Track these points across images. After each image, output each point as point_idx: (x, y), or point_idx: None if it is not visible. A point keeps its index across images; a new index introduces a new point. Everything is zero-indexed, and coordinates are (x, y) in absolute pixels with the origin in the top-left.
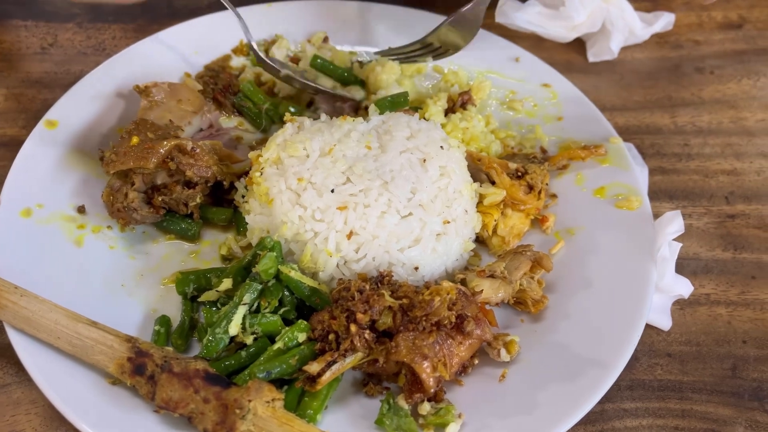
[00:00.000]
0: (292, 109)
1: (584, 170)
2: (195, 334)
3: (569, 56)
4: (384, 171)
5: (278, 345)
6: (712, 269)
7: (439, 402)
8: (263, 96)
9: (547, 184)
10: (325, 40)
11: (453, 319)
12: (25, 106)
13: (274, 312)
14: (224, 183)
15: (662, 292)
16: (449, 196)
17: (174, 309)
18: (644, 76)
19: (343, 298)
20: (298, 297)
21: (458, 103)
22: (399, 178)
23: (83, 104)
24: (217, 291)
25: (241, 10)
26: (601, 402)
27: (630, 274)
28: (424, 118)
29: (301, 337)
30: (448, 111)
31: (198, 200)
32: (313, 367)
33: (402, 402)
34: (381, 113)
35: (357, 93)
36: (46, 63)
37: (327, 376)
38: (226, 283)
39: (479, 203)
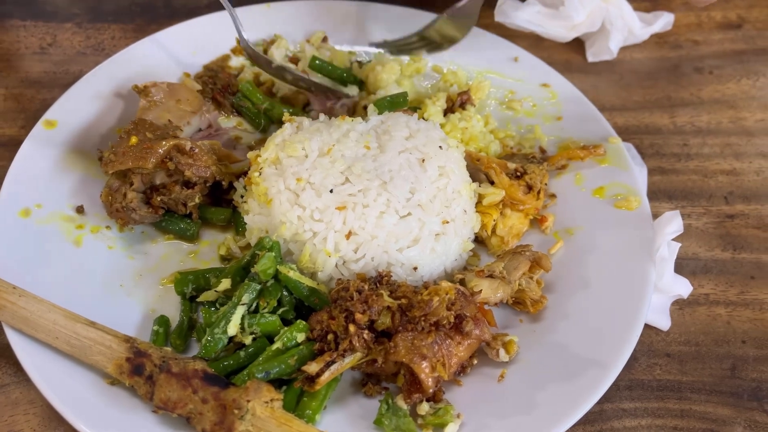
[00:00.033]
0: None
1: (583, 170)
2: (194, 334)
3: (568, 56)
4: (383, 171)
5: (277, 345)
6: (711, 269)
7: (438, 402)
8: (262, 96)
9: (546, 184)
10: (324, 39)
11: (452, 319)
12: (24, 106)
13: (273, 312)
14: (223, 183)
15: (661, 292)
16: (448, 196)
17: (173, 309)
18: (643, 76)
19: (341, 298)
20: (297, 297)
21: (457, 103)
22: (398, 178)
23: (82, 104)
24: (215, 291)
25: (240, 10)
26: (600, 402)
27: (629, 274)
28: (423, 118)
29: (300, 337)
30: (447, 111)
31: (197, 200)
32: (312, 368)
33: (401, 402)
34: (380, 113)
35: (351, 90)
36: (45, 63)
37: (326, 377)
38: (225, 283)
39: (478, 203)
